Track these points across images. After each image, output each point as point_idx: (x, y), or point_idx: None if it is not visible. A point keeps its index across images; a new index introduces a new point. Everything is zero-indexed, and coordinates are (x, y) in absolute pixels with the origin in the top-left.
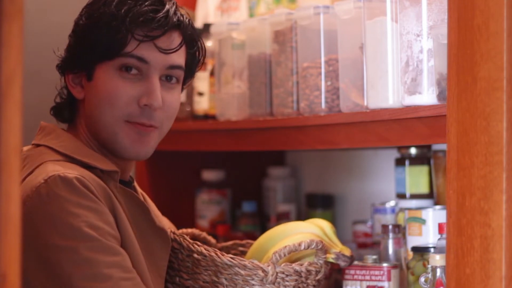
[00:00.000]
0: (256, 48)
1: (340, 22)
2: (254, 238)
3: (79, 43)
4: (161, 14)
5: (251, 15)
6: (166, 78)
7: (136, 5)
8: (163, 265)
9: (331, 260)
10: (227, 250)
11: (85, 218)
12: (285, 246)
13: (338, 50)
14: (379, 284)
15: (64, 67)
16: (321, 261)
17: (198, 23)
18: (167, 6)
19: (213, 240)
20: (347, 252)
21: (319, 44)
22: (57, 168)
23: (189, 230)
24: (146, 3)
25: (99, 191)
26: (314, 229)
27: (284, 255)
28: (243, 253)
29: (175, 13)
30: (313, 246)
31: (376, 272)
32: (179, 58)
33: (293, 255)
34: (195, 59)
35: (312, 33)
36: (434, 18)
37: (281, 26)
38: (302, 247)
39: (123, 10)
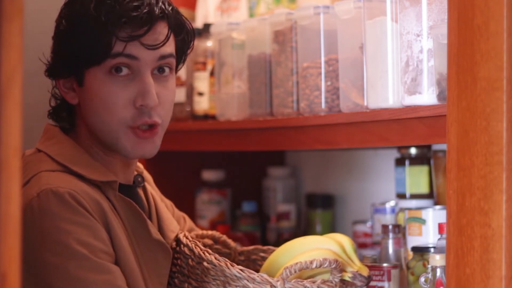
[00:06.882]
0: (256, 48)
1: (340, 22)
2: (254, 238)
3: (63, 48)
4: (143, 10)
5: (251, 15)
6: (159, 71)
7: (115, 4)
8: (165, 273)
9: (347, 279)
10: (247, 254)
11: (76, 235)
12: (297, 263)
13: (338, 50)
14: (379, 284)
15: (53, 72)
16: (336, 280)
17: (198, 23)
18: None
19: (233, 244)
20: (364, 271)
21: (319, 44)
22: (50, 181)
23: (210, 232)
24: (125, 0)
25: (92, 206)
26: (332, 245)
27: (295, 272)
28: (263, 259)
29: (156, 4)
30: (325, 265)
31: (376, 272)
32: (169, 47)
33: (306, 272)
34: (185, 44)
35: (312, 33)
36: (434, 18)
37: (281, 26)
38: (314, 265)
39: (103, 12)
